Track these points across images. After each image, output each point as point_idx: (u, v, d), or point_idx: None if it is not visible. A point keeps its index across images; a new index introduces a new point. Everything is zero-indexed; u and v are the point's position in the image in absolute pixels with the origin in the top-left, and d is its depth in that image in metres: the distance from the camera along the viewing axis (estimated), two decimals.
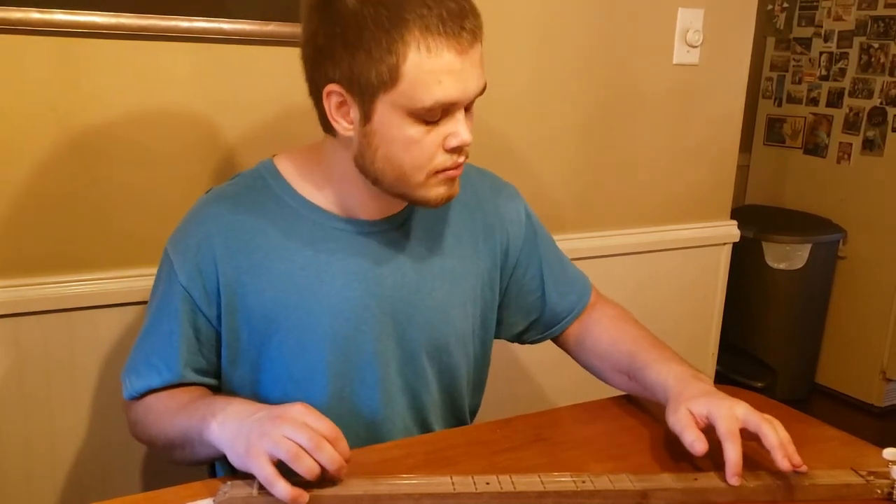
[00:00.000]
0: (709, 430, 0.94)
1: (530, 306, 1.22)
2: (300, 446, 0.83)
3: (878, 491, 0.91)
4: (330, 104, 0.96)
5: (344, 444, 0.87)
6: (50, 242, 1.31)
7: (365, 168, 0.99)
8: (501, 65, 1.63)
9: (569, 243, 1.79)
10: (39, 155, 1.27)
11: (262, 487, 0.84)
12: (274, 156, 1.10)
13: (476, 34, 0.92)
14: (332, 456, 0.84)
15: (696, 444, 0.92)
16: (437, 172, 0.97)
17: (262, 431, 0.85)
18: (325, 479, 0.85)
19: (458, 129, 0.95)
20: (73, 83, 1.27)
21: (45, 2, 1.21)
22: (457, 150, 0.96)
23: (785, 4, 3.23)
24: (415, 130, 0.93)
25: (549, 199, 1.76)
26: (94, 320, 1.35)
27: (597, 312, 1.25)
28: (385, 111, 0.93)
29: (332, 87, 0.94)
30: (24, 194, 1.28)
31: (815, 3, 3.14)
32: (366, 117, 0.94)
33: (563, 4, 1.67)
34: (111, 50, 1.28)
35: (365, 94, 0.93)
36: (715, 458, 0.93)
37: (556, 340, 1.27)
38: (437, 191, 0.99)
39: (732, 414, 0.93)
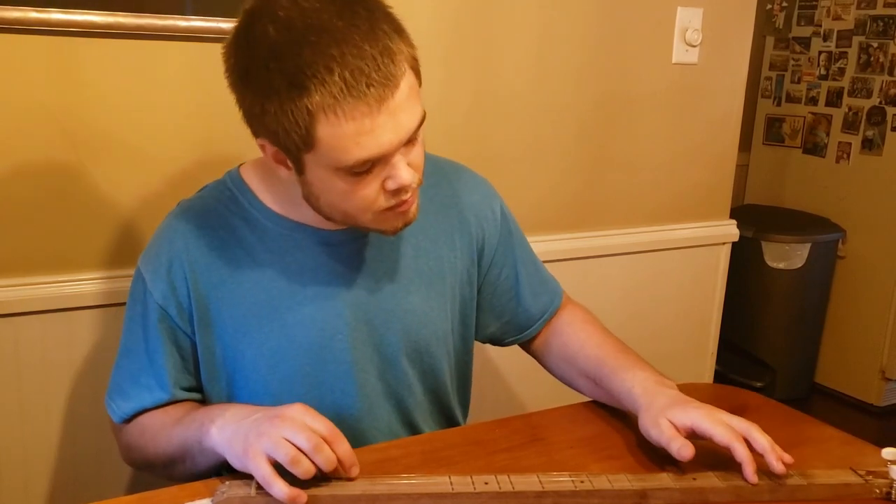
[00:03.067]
0: (691, 437, 0.94)
1: (503, 307, 1.21)
2: (299, 448, 0.83)
3: (877, 490, 0.91)
4: (266, 154, 0.95)
5: (345, 445, 0.87)
6: (47, 242, 1.31)
7: (314, 208, 0.98)
8: (500, 64, 1.63)
9: (567, 243, 1.79)
10: (35, 154, 1.27)
11: (259, 487, 0.84)
12: (241, 164, 1.09)
13: (390, 82, 0.85)
14: (329, 458, 0.84)
15: (684, 449, 0.92)
16: (385, 210, 0.94)
17: (260, 431, 0.85)
18: (325, 476, 0.85)
19: (394, 173, 0.91)
20: (71, 83, 1.27)
21: (43, 1, 1.21)
22: (398, 191, 0.93)
23: (784, 3, 3.23)
24: (348, 182, 0.91)
25: (547, 198, 1.76)
26: (91, 320, 1.35)
27: (566, 315, 1.24)
28: (313, 167, 0.91)
29: (261, 141, 0.93)
30: (22, 193, 1.28)
31: (814, 3, 3.13)
32: (299, 170, 0.93)
33: (562, 3, 1.67)
34: (108, 49, 1.28)
35: (291, 153, 0.91)
36: (709, 459, 0.93)
37: (523, 345, 1.26)
38: (390, 224, 0.97)
39: (720, 419, 0.94)
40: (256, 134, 0.93)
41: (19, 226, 1.29)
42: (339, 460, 0.85)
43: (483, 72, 1.61)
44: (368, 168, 0.89)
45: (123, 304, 1.35)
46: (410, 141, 0.92)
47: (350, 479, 0.87)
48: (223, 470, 0.93)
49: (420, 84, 0.92)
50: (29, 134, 1.26)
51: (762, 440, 0.91)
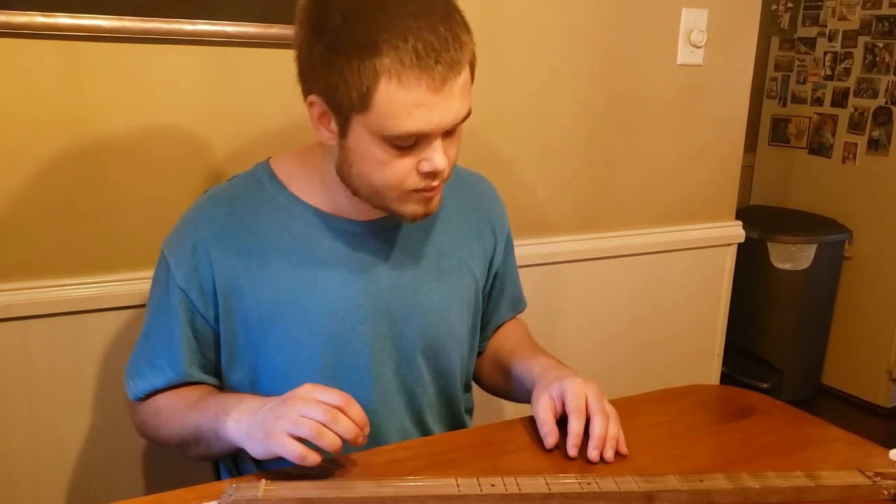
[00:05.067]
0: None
1: (488, 316, 1.25)
2: (318, 422, 0.86)
3: (885, 492, 0.91)
4: (312, 113, 0.97)
5: (357, 407, 0.89)
6: (55, 246, 1.31)
7: (344, 178, 1.00)
8: (507, 68, 1.63)
9: (574, 245, 1.79)
10: (43, 158, 1.28)
11: (267, 490, 0.84)
12: (270, 157, 1.11)
13: (455, 66, 0.90)
14: (347, 426, 0.87)
15: (549, 437, 0.98)
16: (412, 192, 0.97)
17: (277, 415, 0.88)
18: (331, 479, 0.85)
19: (431, 155, 0.93)
20: (77, 86, 1.27)
21: (49, 5, 1.21)
22: (430, 175, 0.95)
23: (789, 4, 3.23)
24: (387, 154, 0.93)
25: (553, 200, 1.76)
26: (99, 323, 1.35)
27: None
28: (359, 131, 0.93)
29: (313, 98, 0.95)
30: (30, 197, 1.28)
31: (819, 3, 3.13)
32: (342, 132, 0.95)
33: (568, 5, 1.67)
34: (115, 53, 1.28)
35: (341, 112, 0.93)
36: (720, 459, 0.93)
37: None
38: (412, 207, 0.99)
39: (582, 392, 0.98)
40: (310, 90, 0.95)
41: (27, 230, 1.29)
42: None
43: (490, 74, 1.60)
44: (410, 144, 0.92)
45: (132, 307, 1.37)
46: (452, 132, 0.95)
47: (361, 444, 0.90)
48: (224, 464, 0.93)
49: (472, 82, 0.96)
50: (35, 138, 1.27)
51: (597, 428, 0.96)
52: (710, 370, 2.10)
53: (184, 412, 1.01)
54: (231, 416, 0.93)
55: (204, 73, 1.35)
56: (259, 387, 1.06)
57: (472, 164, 1.27)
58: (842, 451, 1.04)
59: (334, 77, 0.89)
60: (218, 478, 1.18)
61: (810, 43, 3.17)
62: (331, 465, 0.93)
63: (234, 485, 0.87)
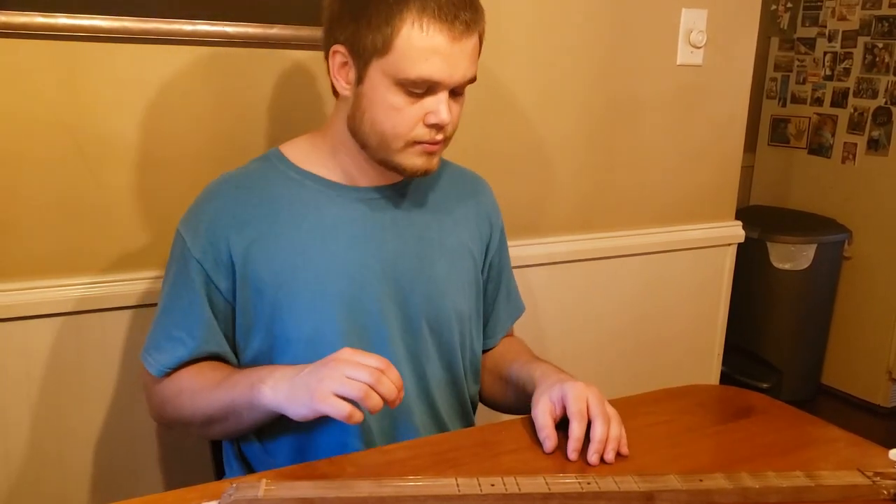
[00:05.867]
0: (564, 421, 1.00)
1: (487, 313, 1.27)
2: (364, 384, 0.89)
3: (885, 492, 0.91)
4: (334, 63, 1.05)
5: (395, 371, 0.94)
6: (55, 246, 1.31)
7: (354, 130, 1.06)
8: (507, 68, 1.63)
9: (574, 245, 1.79)
10: (43, 158, 1.28)
11: (268, 489, 0.84)
12: (279, 145, 1.16)
13: (470, 27, 0.99)
14: (389, 387, 0.92)
15: (547, 441, 0.99)
16: (416, 143, 1.03)
17: (321, 377, 0.91)
18: (332, 478, 0.85)
19: (438, 107, 1.01)
20: (76, 86, 1.27)
21: (48, 5, 1.21)
22: (435, 127, 1.03)
23: (789, 4, 3.23)
24: (398, 99, 1.01)
25: (554, 200, 1.76)
26: (100, 323, 1.35)
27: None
28: (375, 76, 1.01)
29: (337, 47, 1.03)
30: (30, 197, 1.28)
31: (819, 3, 3.13)
32: (359, 79, 1.03)
33: (568, 5, 1.67)
34: (114, 53, 1.28)
35: (361, 58, 1.01)
36: (719, 459, 0.93)
37: None
38: (413, 160, 1.05)
39: (583, 396, 1.00)
40: (335, 41, 1.03)
41: (27, 230, 1.29)
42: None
43: (489, 74, 1.61)
44: (421, 93, 1.01)
45: (132, 307, 1.36)
46: (458, 94, 1.04)
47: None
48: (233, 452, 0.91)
49: (479, 56, 1.05)
50: (35, 138, 1.27)
51: (598, 432, 0.97)
52: (709, 370, 2.10)
53: (210, 390, 1.04)
54: (266, 384, 0.97)
55: (204, 73, 1.35)
56: (277, 352, 1.08)
57: (473, 164, 1.27)
58: (842, 451, 1.04)
59: (361, 25, 0.99)
60: (218, 477, 1.18)
61: (810, 43, 3.17)
62: (331, 465, 0.93)
63: (234, 485, 0.87)
